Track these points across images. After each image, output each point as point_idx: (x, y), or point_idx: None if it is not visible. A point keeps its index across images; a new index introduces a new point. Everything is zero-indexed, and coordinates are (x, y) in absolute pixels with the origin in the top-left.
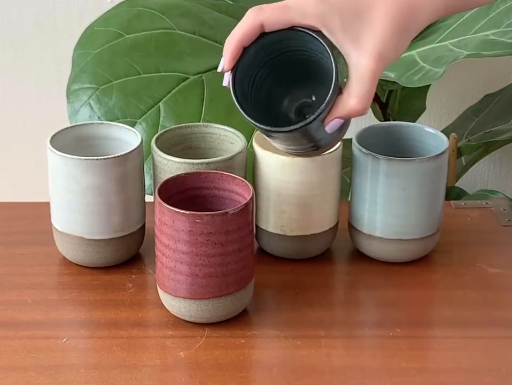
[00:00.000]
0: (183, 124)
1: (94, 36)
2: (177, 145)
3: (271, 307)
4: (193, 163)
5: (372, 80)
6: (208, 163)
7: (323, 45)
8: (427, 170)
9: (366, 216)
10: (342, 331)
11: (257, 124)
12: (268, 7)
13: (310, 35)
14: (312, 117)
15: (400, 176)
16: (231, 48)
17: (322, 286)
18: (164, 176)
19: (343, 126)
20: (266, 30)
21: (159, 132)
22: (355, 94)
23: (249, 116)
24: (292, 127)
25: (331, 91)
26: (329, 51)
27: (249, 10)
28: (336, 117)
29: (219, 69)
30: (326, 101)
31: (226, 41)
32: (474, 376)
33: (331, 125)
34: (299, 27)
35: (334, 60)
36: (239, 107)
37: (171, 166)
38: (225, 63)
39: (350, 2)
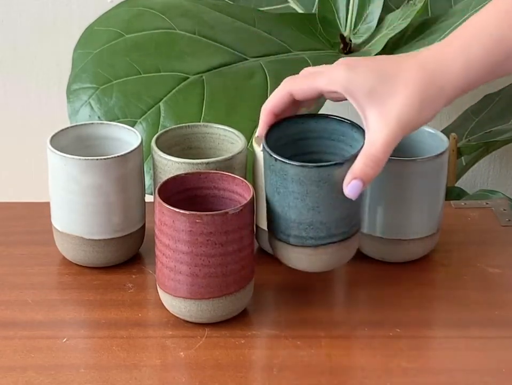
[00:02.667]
0: (183, 124)
1: (94, 36)
2: (177, 145)
3: (271, 307)
4: (193, 163)
5: (385, 144)
6: (208, 163)
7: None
8: (427, 170)
9: (366, 216)
10: (342, 331)
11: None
12: (299, 75)
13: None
14: (339, 160)
15: (400, 176)
16: (263, 117)
17: (322, 286)
18: (164, 176)
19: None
20: (297, 98)
21: (159, 132)
22: (367, 155)
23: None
24: (318, 164)
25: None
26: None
27: (285, 79)
28: (352, 178)
29: (257, 135)
30: (355, 152)
31: (262, 108)
32: (474, 376)
33: (350, 190)
34: (333, 116)
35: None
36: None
37: (171, 166)
38: (259, 129)
39: (376, 71)
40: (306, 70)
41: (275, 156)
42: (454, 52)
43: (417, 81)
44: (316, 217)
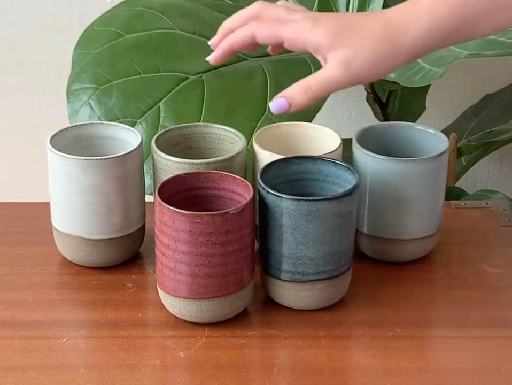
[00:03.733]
0: (183, 125)
1: (94, 36)
2: (177, 145)
3: (271, 307)
4: (193, 163)
5: (324, 81)
6: (208, 163)
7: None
8: (427, 170)
9: (367, 216)
10: (342, 331)
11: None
12: (267, 19)
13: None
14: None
15: (400, 176)
16: (223, 51)
17: None
18: (164, 176)
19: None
20: (259, 42)
21: (159, 132)
22: (304, 84)
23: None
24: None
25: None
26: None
27: (251, 22)
28: (281, 96)
29: (207, 58)
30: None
31: (223, 38)
32: (474, 376)
33: (275, 101)
34: (330, 158)
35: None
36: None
37: (171, 166)
38: (212, 56)
39: (339, 21)
40: (274, 14)
41: (267, 189)
42: (420, 12)
43: (377, 35)
44: (305, 252)
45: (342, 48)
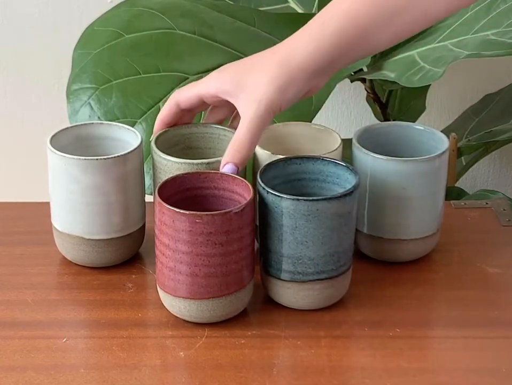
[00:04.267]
0: (183, 124)
1: (94, 36)
2: (176, 145)
3: (271, 307)
4: (193, 164)
5: (250, 127)
6: (208, 163)
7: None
8: (427, 170)
9: (366, 216)
10: (342, 331)
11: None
12: (184, 87)
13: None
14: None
15: (400, 176)
16: (156, 126)
17: None
18: (164, 176)
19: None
20: (182, 107)
21: (159, 132)
22: (234, 141)
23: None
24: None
25: None
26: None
27: (174, 92)
28: (225, 163)
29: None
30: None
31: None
32: (474, 376)
33: (225, 169)
34: (330, 158)
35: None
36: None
37: (171, 166)
38: (152, 136)
39: (240, 65)
40: (189, 84)
41: (267, 189)
42: (310, 32)
43: (273, 66)
44: (305, 252)
45: (248, 91)
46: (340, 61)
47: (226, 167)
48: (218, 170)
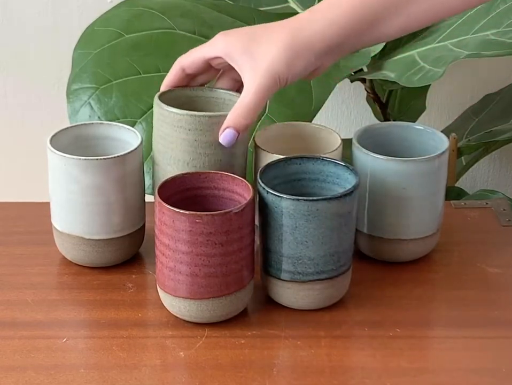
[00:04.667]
0: (188, 87)
1: (94, 36)
2: (182, 106)
3: (271, 307)
4: (195, 115)
5: (257, 93)
6: (210, 116)
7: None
8: (427, 170)
9: (366, 216)
10: (342, 331)
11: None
12: (188, 52)
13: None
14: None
15: (400, 176)
16: (162, 89)
17: None
18: (166, 129)
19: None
20: (188, 72)
21: (162, 91)
22: (239, 106)
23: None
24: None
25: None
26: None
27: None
28: (226, 127)
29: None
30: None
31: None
32: (474, 376)
33: (224, 134)
34: (330, 158)
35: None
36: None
37: (173, 117)
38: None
39: (248, 32)
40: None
41: (267, 189)
42: (321, 10)
43: (283, 38)
44: (305, 252)
45: (256, 60)
46: (348, 44)
47: (227, 131)
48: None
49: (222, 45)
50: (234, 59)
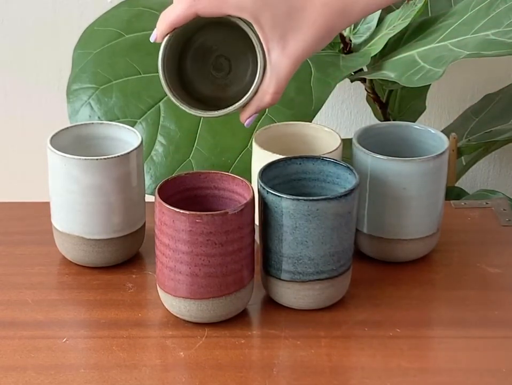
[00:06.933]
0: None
1: (94, 36)
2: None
3: (271, 307)
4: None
5: (287, 79)
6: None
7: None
8: (427, 170)
9: (366, 216)
10: (342, 331)
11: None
12: (209, 1)
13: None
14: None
15: (400, 176)
16: (163, 28)
17: None
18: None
19: None
20: (202, 17)
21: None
22: (272, 91)
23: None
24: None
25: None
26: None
27: None
28: (253, 114)
29: (151, 39)
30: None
31: (160, 16)
32: (474, 376)
33: (249, 122)
34: (330, 158)
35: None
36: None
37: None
38: (157, 37)
39: (284, 3)
40: None
41: (267, 189)
42: None
43: (324, 16)
44: (305, 252)
45: (287, 47)
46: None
47: (254, 118)
48: (218, 171)
49: (253, 9)
50: (263, 30)
